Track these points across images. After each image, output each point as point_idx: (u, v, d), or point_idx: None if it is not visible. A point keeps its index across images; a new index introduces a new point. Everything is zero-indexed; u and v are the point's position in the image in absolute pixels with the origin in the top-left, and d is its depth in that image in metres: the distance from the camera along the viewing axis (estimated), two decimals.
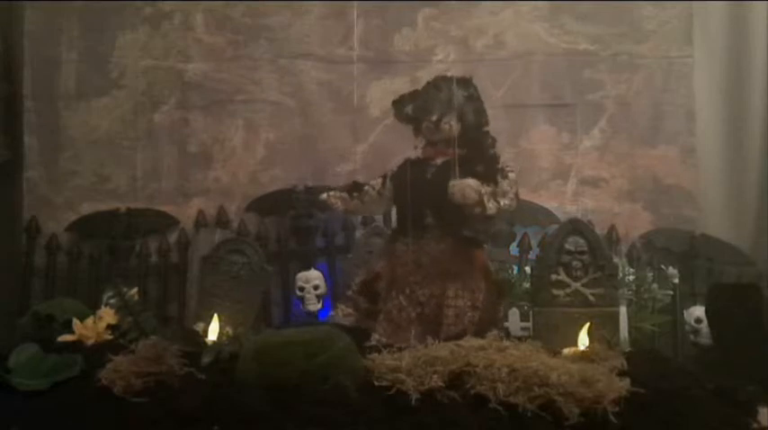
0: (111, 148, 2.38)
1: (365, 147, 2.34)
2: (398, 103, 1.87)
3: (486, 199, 1.69)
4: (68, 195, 2.36)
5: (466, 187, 1.68)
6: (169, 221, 2.36)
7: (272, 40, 2.40)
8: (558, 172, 2.38)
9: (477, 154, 1.78)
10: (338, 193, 1.91)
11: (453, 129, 1.78)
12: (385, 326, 1.76)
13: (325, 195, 1.93)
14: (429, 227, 1.77)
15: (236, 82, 2.40)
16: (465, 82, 1.83)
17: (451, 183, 1.68)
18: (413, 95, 1.85)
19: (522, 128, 2.39)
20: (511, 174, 1.76)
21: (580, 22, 2.38)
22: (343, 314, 1.83)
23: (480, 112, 1.83)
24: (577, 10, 2.38)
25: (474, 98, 1.83)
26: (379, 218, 2.26)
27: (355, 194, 1.90)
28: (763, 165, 2.37)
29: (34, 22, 2.37)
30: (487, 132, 1.83)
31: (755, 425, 1.37)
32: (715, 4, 2.40)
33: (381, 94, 2.33)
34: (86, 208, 2.35)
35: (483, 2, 2.39)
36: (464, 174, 1.71)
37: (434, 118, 1.79)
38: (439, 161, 1.79)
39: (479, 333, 1.63)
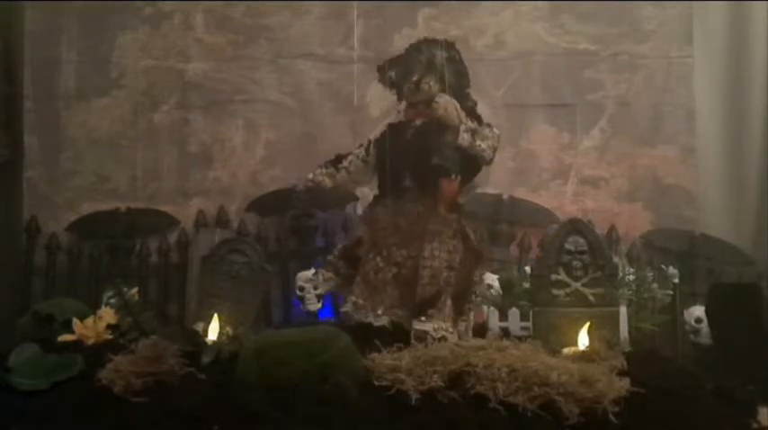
0: (111, 148, 2.38)
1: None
2: (383, 69, 1.88)
3: (463, 128, 1.71)
4: (68, 195, 2.36)
5: (450, 104, 1.71)
6: (169, 221, 2.36)
7: (272, 40, 2.40)
8: (558, 172, 2.38)
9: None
10: (324, 170, 1.90)
11: (433, 89, 1.79)
12: (362, 287, 1.76)
13: (311, 175, 1.91)
14: (408, 188, 1.77)
15: (236, 82, 2.40)
16: (447, 45, 1.84)
17: (437, 97, 1.71)
18: (396, 60, 1.86)
19: (522, 128, 2.39)
20: (495, 130, 1.77)
21: (580, 22, 2.38)
22: (324, 278, 1.84)
23: (461, 74, 1.84)
24: (577, 10, 2.38)
25: (455, 60, 1.84)
26: None
27: (340, 166, 1.89)
28: (763, 165, 2.37)
29: (34, 22, 2.37)
30: (468, 94, 1.83)
31: (755, 425, 1.37)
32: (715, 4, 2.40)
33: (381, 93, 2.32)
34: (86, 208, 2.35)
35: (483, 2, 2.40)
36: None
37: (414, 78, 1.79)
38: (418, 122, 1.80)
39: (455, 295, 1.67)
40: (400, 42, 2.37)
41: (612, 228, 2.28)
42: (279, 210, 2.33)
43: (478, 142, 1.73)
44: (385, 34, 2.39)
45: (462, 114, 1.73)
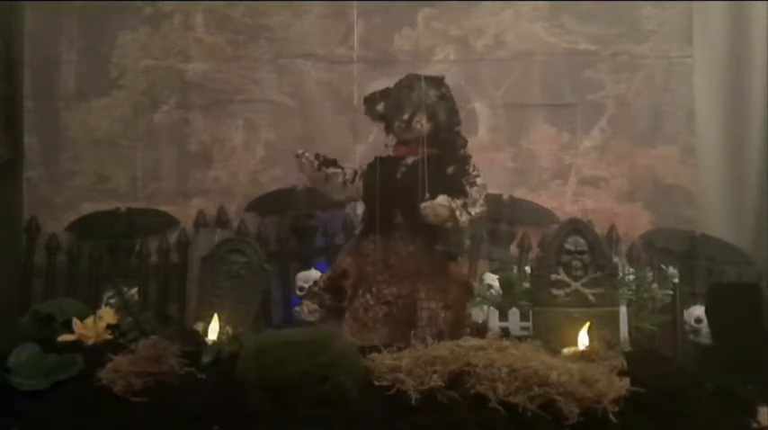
0: (111, 148, 2.39)
1: (365, 147, 2.34)
2: (370, 101, 1.87)
3: (458, 213, 1.71)
4: (68, 195, 2.36)
5: (437, 206, 1.69)
6: (169, 221, 2.36)
7: (272, 40, 2.41)
8: (558, 172, 2.38)
9: (449, 154, 1.79)
10: (312, 158, 1.88)
11: (424, 127, 1.78)
12: (351, 324, 1.75)
13: (300, 150, 1.89)
14: (398, 226, 1.77)
15: (236, 82, 2.40)
16: (437, 81, 1.83)
17: (422, 205, 1.69)
18: (384, 93, 1.85)
19: (522, 128, 2.39)
20: (478, 180, 1.77)
21: (580, 21, 2.38)
22: (308, 310, 1.80)
23: (452, 112, 1.84)
24: (577, 10, 2.38)
25: (446, 98, 1.84)
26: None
27: (325, 169, 1.87)
28: (763, 165, 2.37)
29: (34, 22, 2.37)
30: (459, 132, 1.83)
31: (755, 425, 1.36)
32: (715, 4, 2.40)
33: None
34: (86, 208, 2.36)
35: (483, 2, 2.40)
36: (435, 175, 1.72)
37: (406, 116, 1.79)
38: (410, 160, 1.80)
39: (452, 334, 1.65)
40: (400, 42, 2.39)
41: (612, 228, 2.28)
42: (279, 210, 2.33)
43: (473, 211, 1.74)
44: (385, 34, 2.40)
45: (452, 203, 1.70)
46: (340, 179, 1.88)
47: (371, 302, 1.77)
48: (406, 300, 1.75)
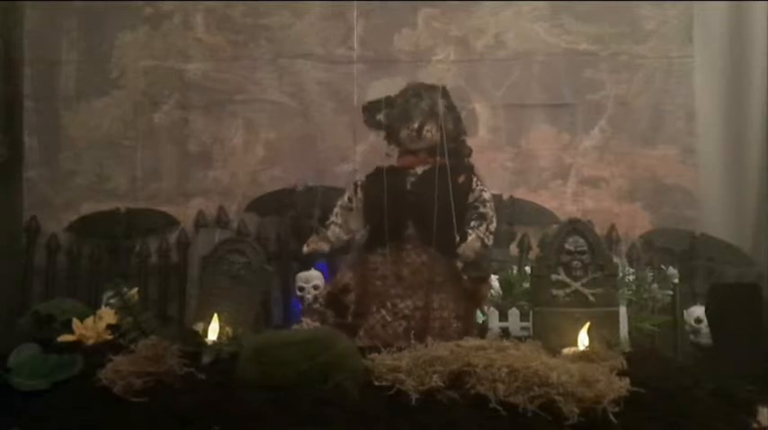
0: (111, 148, 2.39)
1: (365, 147, 2.34)
2: (370, 110, 1.84)
3: (486, 240, 1.72)
4: (68, 195, 2.36)
5: (473, 244, 1.68)
6: (169, 221, 2.36)
7: (272, 40, 2.41)
8: (558, 172, 2.38)
9: (458, 163, 1.78)
10: (316, 238, 1.83)
11: (435, 136, 1.77)
12: (367, 342, 1.69)
13: (305, 248, 1.84)
14: (409, 238, 1.74)
15: (236, 82, 2.40)
16: (444, 91, 1.82)
17: (459, 250, 1.68)
18: (387, 102, 1.83)
19: (522, 128, 2.39)
20: (485, 194, 1.76)
21: (580, 21, 2.38)
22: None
23: (458, 121, 1.83)
24: (577, 10, 2.38)
25: (452, 107, 1.82)
26: None
27: (327, 223, 1.85)
28: (763, 165, 2.37)
29: (34, 22, 2.38)
30: (464, 141, 1.82)
31: (755, 425, 1.36)
32: (715, 5, 2.40)
33: (381, 94, 2.32)
34: (86, 208, 2.36)
35: (483, 2, 2.40)
36: (446, 183, 1.71)
37: (416, 125, 1.77)
38: (419, 170, 1.77)
39: None
40: (400, 42, 2.39)
41: (612, 228, 2.28)
42: (279, 210, 2.33)
43: (492, 227, 1.74)
44: (385, 34, 2.40)
45: (478, 231, 1.71)
46: (344, 211, 1.84)
47: (389, 318, 1.72)
48: (423, 312, 1.72)
